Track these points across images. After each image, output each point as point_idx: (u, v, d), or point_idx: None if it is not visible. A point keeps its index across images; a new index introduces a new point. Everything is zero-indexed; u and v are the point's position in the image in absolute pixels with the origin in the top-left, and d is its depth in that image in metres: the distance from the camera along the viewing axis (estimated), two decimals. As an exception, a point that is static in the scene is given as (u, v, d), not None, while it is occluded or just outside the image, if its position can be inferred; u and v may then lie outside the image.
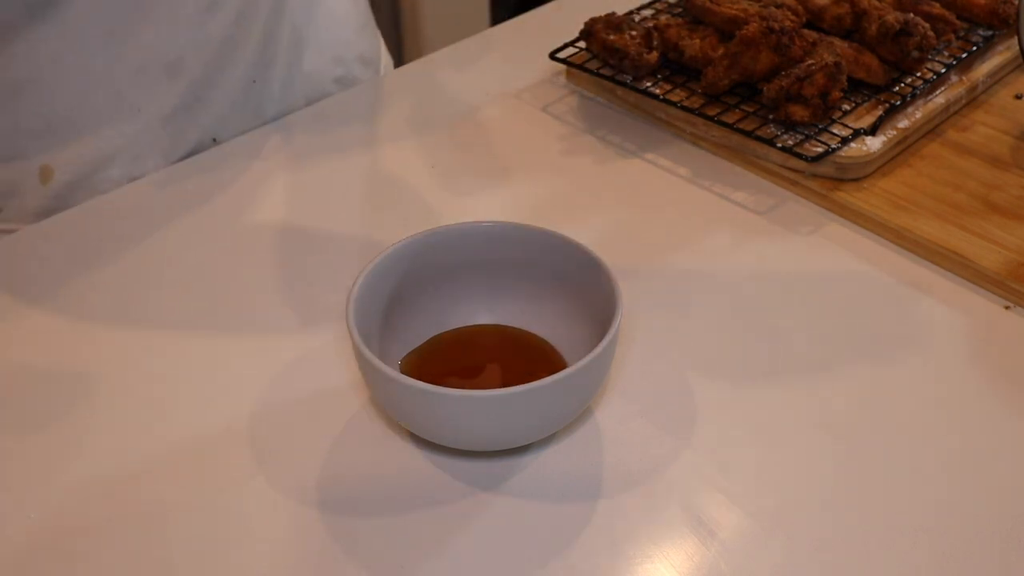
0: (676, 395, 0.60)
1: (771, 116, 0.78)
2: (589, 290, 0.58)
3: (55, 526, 0.53)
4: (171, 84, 0.78)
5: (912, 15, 0.81)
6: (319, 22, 0.88)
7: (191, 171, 0.80)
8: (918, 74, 0.82)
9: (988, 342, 0.64)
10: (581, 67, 0.85)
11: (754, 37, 0.77)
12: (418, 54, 1.89)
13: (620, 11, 0.87)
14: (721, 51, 0.80)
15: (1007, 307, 0.66)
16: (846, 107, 0.79)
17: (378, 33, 0.99)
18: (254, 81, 0.83)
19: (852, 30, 0.83)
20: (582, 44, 0.87)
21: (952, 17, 0.85)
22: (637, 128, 0.83)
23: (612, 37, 0.83)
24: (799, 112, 0.76)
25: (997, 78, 0.86)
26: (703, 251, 0.71)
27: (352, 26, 0.93)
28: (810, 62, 0.76)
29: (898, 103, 0.78)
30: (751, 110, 0.79)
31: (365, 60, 0.94)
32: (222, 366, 0.62)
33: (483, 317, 0.63)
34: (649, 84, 0.83)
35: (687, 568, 0.51)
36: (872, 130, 0.76)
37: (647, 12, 0.92)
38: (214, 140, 0.82)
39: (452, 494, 0.55)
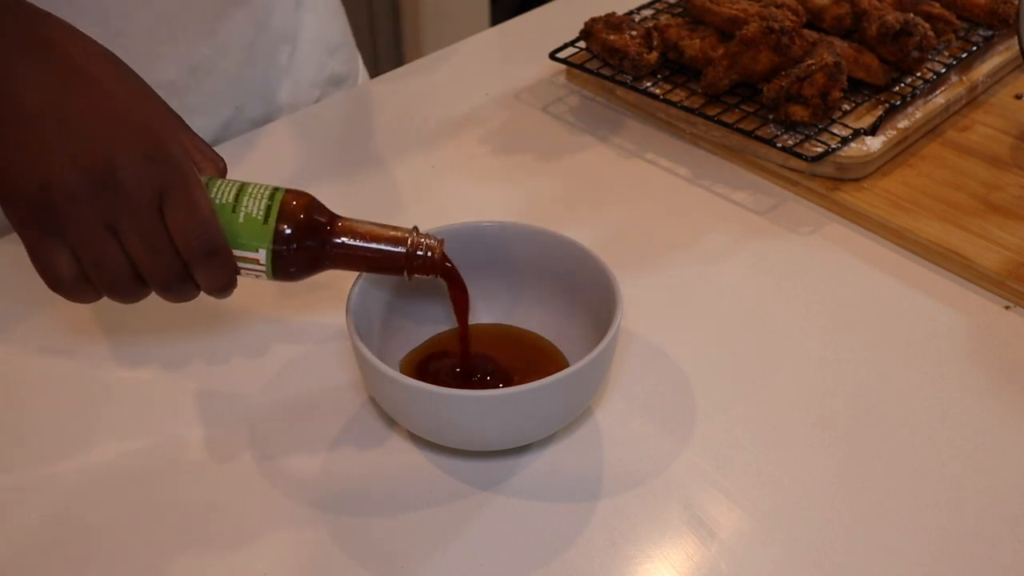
0: (676, 395, 0.60)
1: (771, 116, 0.78)
2: (589, 290, 0.58)
3: (55, 526, 0.53)
4: None
5: (912, 15, 0.81)
6: (299, 55, 0.87)
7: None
8: (918, 74, 0.82)
9: (988, 342, 0.64)
10: (581, 67, 0.85)
11: (754, 37, 0.77)
12: (418, 54, 1.89)
13: (620, 11, 0.87)
14: (721, 51, 0.80)
15: (1007, 307, 0.66)
16: (846, 107, 0.79)
17: (357, 53, 0.97)
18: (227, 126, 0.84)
19: (852, 30, 0.83)
20: (582, 44, 0.87)
21: (952, 17, 0.85)
22: (637, 128, 0.83)
23: (612, 37, 0.83)
24: (799, 112, 0.76)
25: (997, 78, 0.86)
26: (703, 251, 0.71)
27: (330, 49, 0.91)
28: (810, 62, 0.76)
29: (898, 103, 0.78)
30: (751, 110, 0.79)
31: (339, 80, 0.93)
32: (223, 366, 0.62)
33: (483, 317, 0.63)
34: (649, 84, 0.83)
35: (687, 568, 0.51)
36: (872, 130, 0.76)
37: (647, 12, 0.92)
38: None
39: (452, 494, 0.55)
